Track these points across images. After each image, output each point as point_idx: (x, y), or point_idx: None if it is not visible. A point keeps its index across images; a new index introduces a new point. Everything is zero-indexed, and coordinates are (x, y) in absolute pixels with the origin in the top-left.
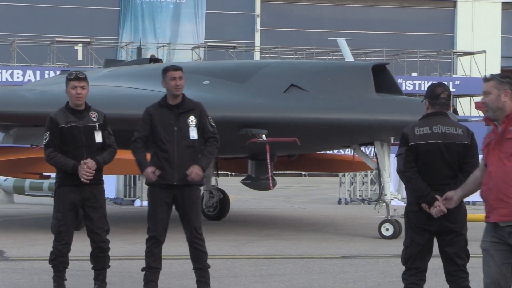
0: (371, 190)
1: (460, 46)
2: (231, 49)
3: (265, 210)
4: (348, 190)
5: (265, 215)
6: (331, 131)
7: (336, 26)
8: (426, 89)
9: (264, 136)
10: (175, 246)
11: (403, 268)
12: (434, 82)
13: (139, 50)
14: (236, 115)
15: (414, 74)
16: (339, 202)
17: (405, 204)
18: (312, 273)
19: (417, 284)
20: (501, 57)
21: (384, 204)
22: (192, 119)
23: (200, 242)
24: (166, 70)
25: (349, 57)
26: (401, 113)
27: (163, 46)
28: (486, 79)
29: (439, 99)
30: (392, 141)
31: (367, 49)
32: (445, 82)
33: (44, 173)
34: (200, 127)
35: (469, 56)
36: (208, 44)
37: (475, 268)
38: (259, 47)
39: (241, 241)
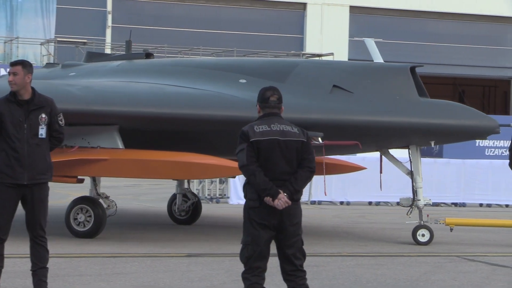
0: (219, 189)
1: (309, 48)
2: (81, 45)
3: None
4: (197, 189)
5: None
6: (383, 133)
7: (187, 25)
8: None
9: (320, 139)
10: (19, 245)
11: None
12: (265, 86)
13: (129, 43)
14: (287, 117)
15: None
16: None
17: (245, 201)
18: (158, 272)
19: (259, 283)
20: (348, 59)
21: (417, 209)
22: (42, 116)
23: (44, 240)
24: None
25: (378, 58)
26: (446, 117)
27: (11, 40)
28: None
29: (268, 102)
30: (432, 145)
31: (218, 49)
32: None
33: (79, 176)
34: (49, 124)
35: (318, 58)
36: (58, 39)
37: (319, 267)
38: (110, 44)
39: (86, 240)
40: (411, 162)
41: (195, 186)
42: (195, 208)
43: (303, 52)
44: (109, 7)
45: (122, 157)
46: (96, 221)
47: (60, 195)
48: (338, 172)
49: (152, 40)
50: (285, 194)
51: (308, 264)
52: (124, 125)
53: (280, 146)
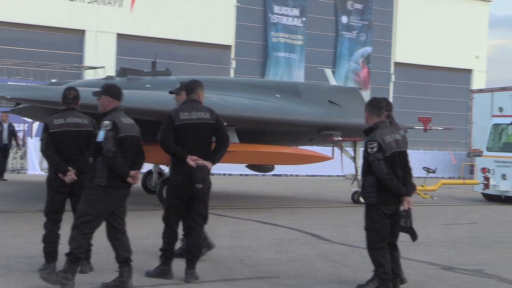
0: (20, 163)
1: (87, 62)
2: None
3: None
4: (11, 163)
5: None
6: (350, 131)
7: (18, 45)
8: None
9: (339, 137)
10: None
11: (45, 219)
12: (68, 86)
13: (154, 63)
14: (319, 121)
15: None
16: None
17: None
18: None
19: (55, 230)
20: (115, 71)
21: (357, 181)
22: None
23: None
24: None
25: (333, 82)
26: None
27: None
28: None
29: (67, 99)
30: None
31: (31, 62)
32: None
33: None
34: None
35: (93, 70)
36: None
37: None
38: None
39: None
40: (355, 150)
41: (10, 160)
42: None
43: (82, 65)
44: None
45: (245, 149)
46: None
47: None
48: (309, 162)
49: None
50: (74, 171)
51: None
52: (238, 126)
53: (71, 135)
